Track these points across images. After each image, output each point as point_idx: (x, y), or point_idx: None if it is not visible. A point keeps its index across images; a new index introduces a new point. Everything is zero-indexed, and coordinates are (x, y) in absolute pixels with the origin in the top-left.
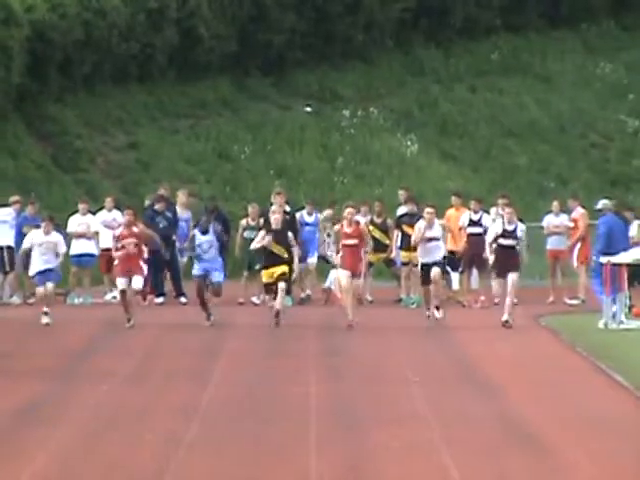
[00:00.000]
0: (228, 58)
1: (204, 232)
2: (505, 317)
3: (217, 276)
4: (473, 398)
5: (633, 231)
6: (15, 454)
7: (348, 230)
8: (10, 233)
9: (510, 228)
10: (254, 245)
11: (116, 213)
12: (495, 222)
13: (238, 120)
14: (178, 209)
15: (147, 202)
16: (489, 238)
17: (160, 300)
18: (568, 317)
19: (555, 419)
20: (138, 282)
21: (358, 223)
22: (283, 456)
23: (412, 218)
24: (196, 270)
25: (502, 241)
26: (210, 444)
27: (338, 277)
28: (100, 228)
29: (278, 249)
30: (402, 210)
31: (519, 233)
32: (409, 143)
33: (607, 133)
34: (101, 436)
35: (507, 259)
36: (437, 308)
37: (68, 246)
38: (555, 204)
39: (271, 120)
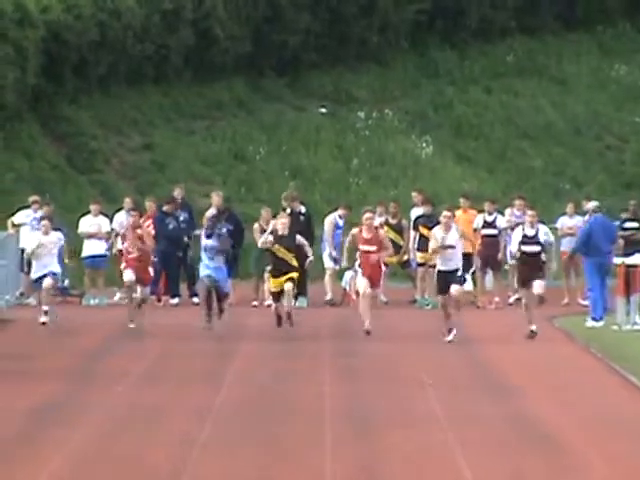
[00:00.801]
0: (243, 59)
1: (210, 236)
2: (533, 327)
3: (224, 286)
4: (488, 399)
5: None
6: (33, 454)
7: (367, 236)
8: (31, 235)
9: (531, 233)
10: (261, 243)
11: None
12: (515, 230)
13: (253, 121)
14: (212, 210)
15: (147, 203)
16: (513, 249)
17: (175, 301)
18: (582, 318)
19: (570, 419)
20: (146, 291)
21: (377, 229)
22: (297, 456)
23: (429, 219)
24: (203, 271)
25: (524, 248)
26: (224, 445)
27: (356, 281)
28: (117, 228)
29: (285, 254)
30: (418, 212)
31: (542, 237)
32: (424, 145)
33: (622, 135)
34: (116, 437)
35: (530, 267)
36: (449, 331)
37: (80, 248)
38: (570, 206)
39: (286, 121)
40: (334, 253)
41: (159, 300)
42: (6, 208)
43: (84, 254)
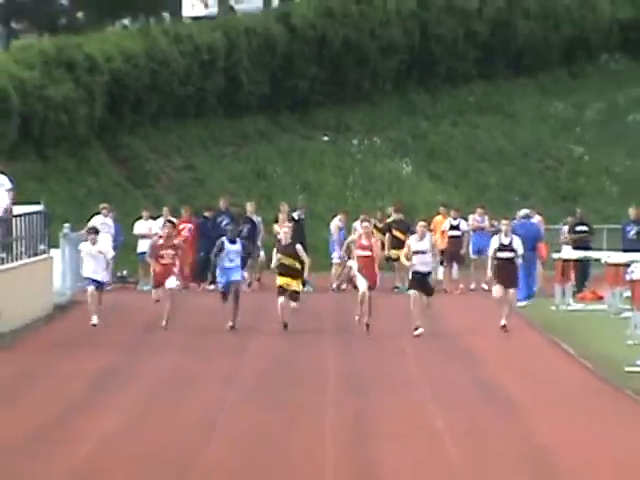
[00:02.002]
0: (264, 99)
1: (232, 241)
2: (503, 322)
3: (237, 277)
4: (457, 367)
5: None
6: (95, 411)
7: (365, 243)
8: (83, 244)
9: (506, 242)
10: (273, 265)
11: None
12: (493, 238)
13: (272, 147)
14: (249, 215)
15: (182, 211)
16: (490, 253)
17: (211, 287)
18: (529, 301)
19: (519, 381)
20: (171, 282)
21: (374, 236)
22: (305, 411)
23: (400, 224)
24: (220, 282)
25: (500, 254)
26: (246, 402)
27: (352, 274)
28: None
29: (289, 261)
30: (393, 217)
31: (515, 246)
32: (404, 166)
33: (559, 158)
34: (160, 396)
35: (506, 272)
36: (416, 328)
37: (136, 244)
38: (518, 213)
39: (297, 147)
40: (340, 252)
41: (199, 285)
42: (80, 216)
43: (139, 250)
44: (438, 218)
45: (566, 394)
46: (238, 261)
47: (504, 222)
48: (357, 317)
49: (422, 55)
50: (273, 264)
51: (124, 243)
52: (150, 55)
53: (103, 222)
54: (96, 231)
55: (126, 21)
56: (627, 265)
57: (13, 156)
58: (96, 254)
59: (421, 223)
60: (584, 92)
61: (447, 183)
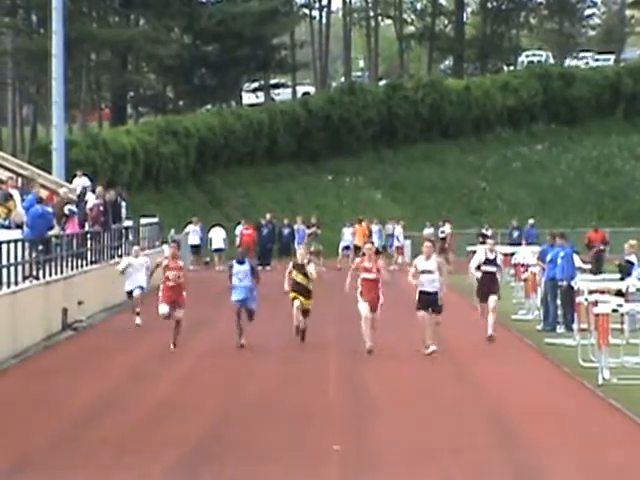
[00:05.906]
0: (292, 153)
1: (240, 262)
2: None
3: (252, 304)
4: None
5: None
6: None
7: (368, 265)
8: (194, 237)
9: (491, 257)
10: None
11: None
12: (478, 252)
13: (297, 183)
14: (295, 226)
15: (242, 223)
16: (473, 264)
17: (268, 268)
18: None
19: (448, 326)
20: (181, 313)
21: (378, 259)
22: (311, 375)
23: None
24: (234, 297)
25: (485, 268)
26: (271, 356)
27: (359, 302)
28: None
29: (302, 279)
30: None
31: (499, 261)
32: (376, 194)
33: (470, 189)
34: (226, 336)
35: (488, 283)
36: (428, 346)
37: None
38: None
39: (312, 183)
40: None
41: (262, 268)
42: (180, 225)
43: (190, 243)
44: (364, 224)
45: (474, 329)
46: (250, 283)
47: (490, 241)
48: (368, 346)
49: (388, 127)
50: (286, 286)
51: (205, 241)
52: (223, 127)
53: (194, 228)
54: (141, 248)
55: (209, 106)
56: (512, 254)
57: (140, 189)
58: (138, 266)
59: (427, 244)
60: (486, 150)
61: (402, 204)
